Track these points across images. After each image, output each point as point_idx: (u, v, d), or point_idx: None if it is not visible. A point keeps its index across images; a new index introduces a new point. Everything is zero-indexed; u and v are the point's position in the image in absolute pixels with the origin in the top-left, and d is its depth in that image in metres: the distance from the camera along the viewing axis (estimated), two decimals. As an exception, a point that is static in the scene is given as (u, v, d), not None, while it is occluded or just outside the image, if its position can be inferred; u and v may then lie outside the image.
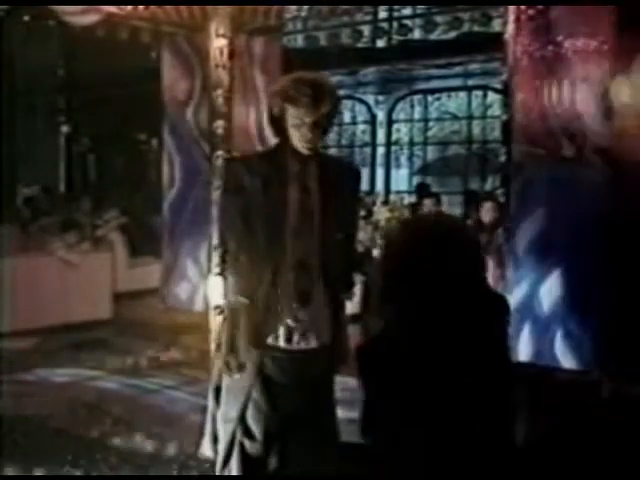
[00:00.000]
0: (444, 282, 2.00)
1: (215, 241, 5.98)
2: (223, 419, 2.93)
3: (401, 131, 14.00)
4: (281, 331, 2.82)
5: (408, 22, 11.43)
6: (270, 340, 2.82)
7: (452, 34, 10.83)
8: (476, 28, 10.55)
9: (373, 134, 14.13)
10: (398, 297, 2.04)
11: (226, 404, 2.91)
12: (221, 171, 2.69)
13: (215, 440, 3.00)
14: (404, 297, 2.03)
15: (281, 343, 2.83)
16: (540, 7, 4.65)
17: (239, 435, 2.86)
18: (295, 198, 2.79)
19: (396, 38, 11.56)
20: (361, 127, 14.31)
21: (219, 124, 6.28)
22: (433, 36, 11.07)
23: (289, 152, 2.80)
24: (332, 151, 14.16)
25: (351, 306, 6.90)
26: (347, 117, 14.29)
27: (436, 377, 1.98)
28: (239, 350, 2.80)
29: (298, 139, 2.75)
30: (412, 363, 1.98)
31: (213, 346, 5.57)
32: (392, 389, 2.00)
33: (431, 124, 13.69)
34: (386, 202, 10.79)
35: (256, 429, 2.84)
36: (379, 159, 14.04)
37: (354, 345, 2.14)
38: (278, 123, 2.79)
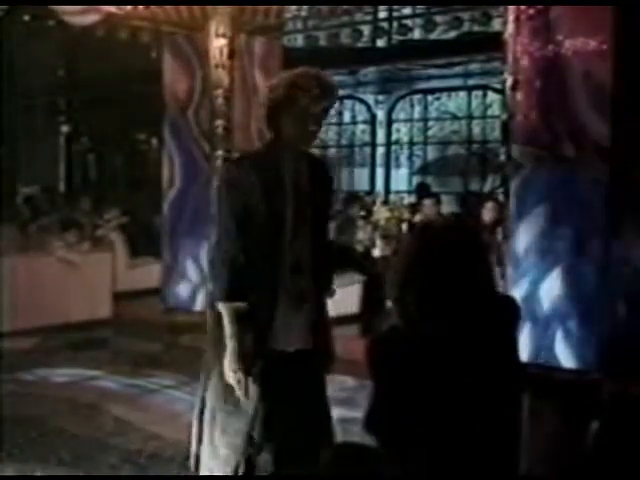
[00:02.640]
0: (458, 285, 2.03)
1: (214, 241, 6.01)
2: (230, 433, 2.81)
3: (401, 131, 13.99)
4: (280, 333, 2.79)
5: (408, 22, 11.42)
6: (270, 343, 2.77)
7: (452, 34, 10.83)
8: (476, 28, 10.55)
9: (373, 134, 14.12)
10: (412, 298, 2.06)
11: (230, 416, 2.81)
12: (219, 171, 2.65)
13: (198, 460, 2.94)
14: (418, 298, 2.05)
15: (281, 346, 2.79)
16: (540, 7, 4.65)
17: (248, 449, 2.78)
18: (291, 197, 2.78)
19: (396, 38, 11.55)
20: (361, 127, 14.29)
21: (219, 124, 6.29)
22: (433, 36, 11.07)
23: (283, 151, 2.80)
24: (332, 151, 14.18)
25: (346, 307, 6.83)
26: (347, 117, 14.29)
27: (446, 376, 1.99)
28: (249, 357, 2.72)
29: (300, 133, 2.75)
30: (423, 362, 2.00)
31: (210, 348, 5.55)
32: (402, 385, 2.01)
33: (431, 124, 13.68)
34: (386, 202, 10.79)
35: (258, 436, 2.79)
36: (379, 159, 14.03)
37: (367, 340, 2.14)
38: (277, 117, 2.77)
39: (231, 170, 2.87)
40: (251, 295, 2.71)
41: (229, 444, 2.81)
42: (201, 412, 2.92)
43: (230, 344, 2.71)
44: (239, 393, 2.73)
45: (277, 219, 2.75)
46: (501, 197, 5.08)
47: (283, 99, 2.73)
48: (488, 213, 7.00)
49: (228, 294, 2.71)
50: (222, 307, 2.73)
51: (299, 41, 11.99)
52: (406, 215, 8.93)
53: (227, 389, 2.78)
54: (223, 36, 6.11)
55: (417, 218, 8.49)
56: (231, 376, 2.72)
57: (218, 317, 2.79)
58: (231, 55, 6.23)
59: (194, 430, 2.96)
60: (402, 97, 13.79)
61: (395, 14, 11.54)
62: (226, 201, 2.76)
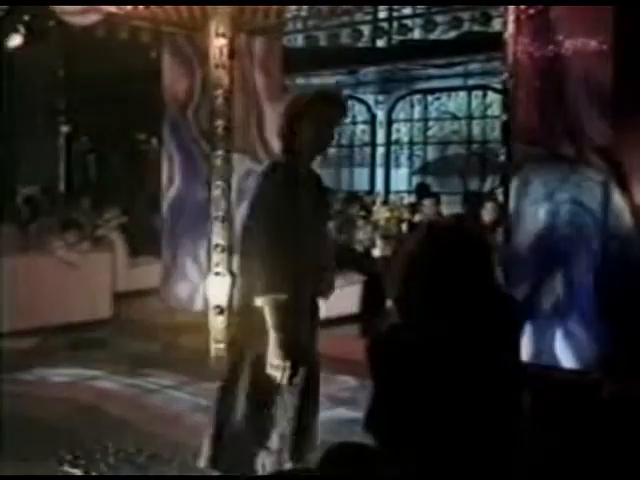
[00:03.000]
0: (458, 285, 2.04)
1: (221, 241, 5.99)
2: (284, 421, 3.01)
3: (401, 131, 14.00)
4: (310, 328, 3.05)
5: (408, 22, 11.43)
6: (303, 333, 2.99)
7: (452, 34, 10.83)
8: (476, 28, 10.55)
9: (373, 134, 14.13)
10: (413, 298, 2.06)
11: (280, 407, 3.01)
12: (260, 175, 2.98)
13: (215, 455, 3.09)
14: (418, 298, 2.05)
15: (305, 338, 3.02)
16: (540, 7, 4.65)
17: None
18: (312, 204, 3.05)
19: (396, 38, 11.56)
20: (361, 127, 14.30)
21: (219, 124, 6.27)
22: (433, 36, 11.07)
23: (299, 160, 3.06)
24: (332, 151, 14.20)
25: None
26: (347, 117, 14.31)
27: (447, 376, 1.99)
28: (295, 345, 2.89)
29: (318, 137, 3.03)
30: (423, 361, 2.00)
31: (214, 346, 5.55)
32: (402, 385, 2.02)
33: (431, 124, 13.69)
34: (386, 202, 10.79)
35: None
36: (379, 159, 14.04)
37: (367, 340, 2.16)
38: (297, 124, 3.01)
39: (273, 175, 3.04)
40: (290, 289, 2.87)
41: (286, 431, 3.03)
42: (225, 413, 3.03)
43: (275, 334, 2.85)
44: (284, 381, 2.88)
45: (304, 221, 2.97)
46: (501, 197, 5.07)
47: (305, 106, 3.01)
48: (488, 214, 7.01)
49: (272, 287, 2.85)
50: (265, 300, 2.86)
51: (299, 41, 12.00)
52: (406, 215, 8.94)
53: (267, 382, 2.92)
54: (223, 36, 6.08)
55: (417, 218, 8.50)
56: (277, 364, 2.85)
57: (251, 312, 2.91)
58: (231, 55, 6.20)
59: (212, 431, 3.10)
60: (402, 97, 13.79)
61: (395, 14, 11.55)
62: (270, 203, 2.95)
